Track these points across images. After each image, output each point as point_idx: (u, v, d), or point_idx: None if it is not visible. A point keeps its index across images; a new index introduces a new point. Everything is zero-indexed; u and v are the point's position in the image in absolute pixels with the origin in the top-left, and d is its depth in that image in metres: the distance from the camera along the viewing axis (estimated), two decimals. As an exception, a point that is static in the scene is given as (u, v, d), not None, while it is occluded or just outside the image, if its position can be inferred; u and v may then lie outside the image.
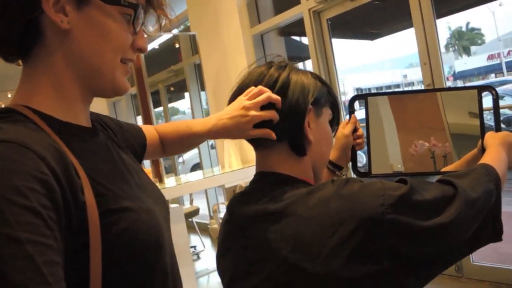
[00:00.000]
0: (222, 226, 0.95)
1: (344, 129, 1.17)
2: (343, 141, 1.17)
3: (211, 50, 4.53)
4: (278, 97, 0.89)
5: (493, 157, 0.96)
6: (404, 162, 1.21)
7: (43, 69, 0.70)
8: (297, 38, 5.14)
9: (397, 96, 1.29)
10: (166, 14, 0.78)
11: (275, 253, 0.79)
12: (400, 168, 1.20)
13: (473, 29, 36.17)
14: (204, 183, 4.21)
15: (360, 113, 1.32)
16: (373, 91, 33.34)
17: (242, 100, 0.93)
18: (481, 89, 1.14)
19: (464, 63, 29.80)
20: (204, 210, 5.54)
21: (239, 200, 0.92)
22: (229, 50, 4.32)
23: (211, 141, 6.10)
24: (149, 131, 1.08)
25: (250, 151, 4.34)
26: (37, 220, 0.53)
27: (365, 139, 1.20)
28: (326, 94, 0.95)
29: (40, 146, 0.59)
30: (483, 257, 3.08)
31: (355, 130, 1.19)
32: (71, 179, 0.60)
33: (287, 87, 0.90)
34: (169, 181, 4.21)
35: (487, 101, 1.15)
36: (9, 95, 10.50)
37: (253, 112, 0.90)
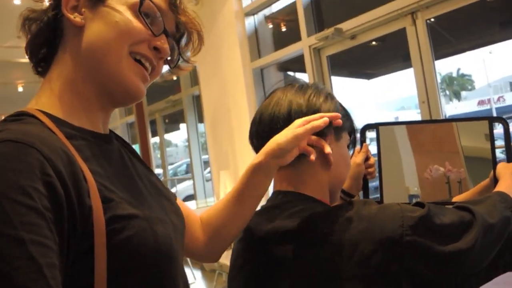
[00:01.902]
0: (236, 244, 0.95)
1: (356, 157, 1.18)
2: (355, 170, 1.17)
3: (211, 82, 4.59)
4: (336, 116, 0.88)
5: (506, 186, 0.96)
6: (419, 187, 1.20)
7: (58, 72, 0.72)
8: (296, 73, 5.23)
9: (408, 126, 1.30)
10: (198, 30, 0.80)
11: (291, 272, 0.79)
12: (416, 191, 1.20)
13: (463, 75, 36.97)
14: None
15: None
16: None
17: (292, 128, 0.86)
18: (492, 120, 1.16)
19: (455, 108, 30.29)
20: (195, 242, 5.45)
21: (258, 218, 0.91)
22: (229, 83, 4.38)
23: (206, 174, 6.10)
24: (188, 211, 0.92)
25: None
26: (41, 221, 0.52)
27: (377, 168, 1.20)
28: (347, 119, 0.97)
29: (47, 147, 0.58)
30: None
31: (366, 159, 1.20)
32: (78, 183, 0.59)
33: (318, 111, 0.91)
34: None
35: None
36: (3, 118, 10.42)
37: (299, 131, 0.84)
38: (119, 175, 0.71)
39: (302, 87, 0.94)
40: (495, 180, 1.06)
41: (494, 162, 1.12)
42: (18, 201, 0.51)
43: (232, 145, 4.49)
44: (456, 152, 1.18)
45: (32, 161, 0.55)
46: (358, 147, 1.21)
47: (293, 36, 3.91)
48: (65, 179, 0.57)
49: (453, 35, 4.55)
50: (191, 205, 5.84)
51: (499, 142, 1.20)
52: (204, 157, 5.94)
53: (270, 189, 0.97)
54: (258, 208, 0.94)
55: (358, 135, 1.15)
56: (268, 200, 0.94)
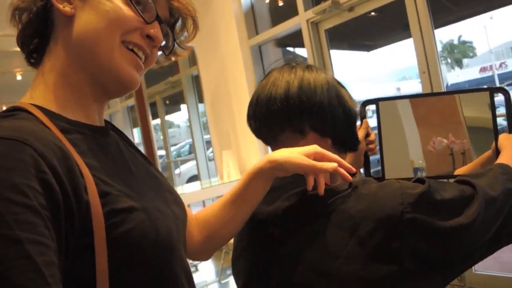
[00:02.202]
0: None
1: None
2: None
3: (209, 61, 4.55)
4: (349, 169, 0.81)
5: (509, 157, 0.95)
6: (423, 160, 1.20)
7: (51, 64, 0.70)
8: (295, 49, 5.18)
9: (408, 100, 1.29)
10: (192, 16, 0.78)
11: (294, 254, 0.79)
12: (421, 164, 1.19)
13: (464, 42, 36.56)
14: (203, 193, 4.20)
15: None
16: (367, 103, 33.41)
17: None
18: (493, 90, 1.14)
19: (457, 76, 30.04)
20: (201, 222, 5.50)
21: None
22: (227, 61, 4.34)
23: (209, 153, 6.10)
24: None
25: (249, 162, 4.34)
26: (37, 219, 0.51)
27: (378, 144, 1.19)
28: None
29: (41, 143, 0.57)
30: (486, 266, 3.07)
31: (367, 135, 1.19)
32: (74, 178, 0.58)
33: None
34: (168, 192, 4.18)
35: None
36: (4, 108, 10.45)
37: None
38: (116, 168, 0.70)
39: (297, 67, 0.93)
40: (497, 151, 1.05)
41: (496, 133, 1.11)
42: (13, 200, 0.50)
43: (233, 124, 4.47)
44: (458, 123, 1.17)
45: (25, 158, 0.53)
46: (358, 123, 1.20)
47: (290, 11, 3.85)
48: (60, 175, 0.56)
49: (453, 2, 4.47)
50: (195, 186, 5.87)
51: (502, 110, 1.19)
52: (206, 137, 5.94)
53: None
54: None
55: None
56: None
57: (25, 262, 0.48)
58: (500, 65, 27.77)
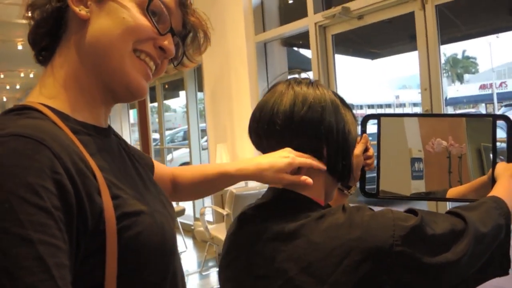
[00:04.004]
0: (228, 237, 0.95)
1: (355, 149, 1.17)
2: (353, 161, 1.17)
3: (214, 53, 4.53)
4: (323, 166, 0.89)
5: (504, 189, 0.95)
6: (423, 150, 1.20)
7: (61, 65, 0.70)
8: (299, 49, 5.18)
9: (411, 119, 1.29)
10: (205, 31, 0.79)
11: (280, 273, 0.79)
12: (419, 154, 1.19)
13: (468, 58, 36.69)
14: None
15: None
16: (365, 108, 33.52)
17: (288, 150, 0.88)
18: (496, 117, 1.15)
19: (457, 90, 30.14)
20: (188, 211, 5.51)
21: (250, 214, 0.91)
22: (232, 55, 4.33)
23: (203, 141, 6.10)
24: (160, 164, 1.03)
25: (242, 156, 4.34)
26: (49, 221, 0.51)
27: (375, 159, 1.19)
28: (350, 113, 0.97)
29: (57, 144, 0.57)
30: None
31: (365, 150, 1.19)
32: (87, 181, 0.58)
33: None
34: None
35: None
36: (2, 76, 10.42)
37: (294, 155, 0.86)
38: (121, 170, 0.71)
39: (302, 83, 0.92)
40: (493, 179, 1.05)
41: (494, 161, 1.12)
42: (27, 200, 0.50)
43: (231, 119, 4.47)
44: (459, 126, 1.18)
45: (42, 158, 0.54)
46: (358, 137, 1.20)
47: (300, 11, 3.83)
48: (74, 177, 0.56)
49: (461, 20, 4.47)
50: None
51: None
52: (202, 125, 5.93)
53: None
54: (252, 203, 0.94)
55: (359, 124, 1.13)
56: (263, 197, 0.94)
57: (36, 263, 0.49)
58: (501, 84, 27.88)
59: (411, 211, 0.82)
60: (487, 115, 1.18)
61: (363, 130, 1.20)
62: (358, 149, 1.15)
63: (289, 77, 0.98)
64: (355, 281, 0.74)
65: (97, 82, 0.70)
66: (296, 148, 0.88)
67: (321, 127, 0.87)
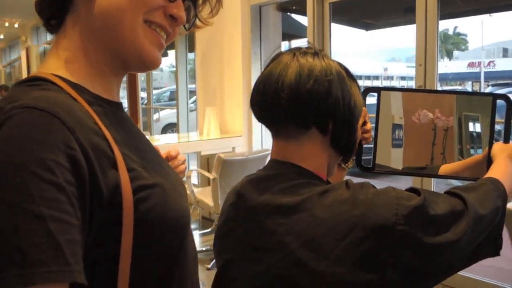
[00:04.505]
0: (227, 207, 0.94)
1: None
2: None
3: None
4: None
5: (501, 171, 0.96)
6: (405, 132, 1.20)
7: (72, 35, 0.68)
8: (293, 15, 5.08)
9: (410, 93, 1.28)
10: None
11: (281, 246, 0.79)
12: (400, 121, 1.19)
13: (459, 34, 36.64)
14: (180, 147, 4.17)
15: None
16: (353, 79, 33.40)
17: None
18: (496, 97, 1.15)
19: (445, 66, 30.22)
20: (173, 173, 5.50)
21: (251, 186, 0.90)
22: (225, 17, 4.22)
23: (191, 103, 6.03)
24: None
25: (231, 122, 4.31)
26: (61, 196, 0.50)
27: (373, 133, 1.18)
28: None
29: (71, 117, 0.56)
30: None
31: (363, 123, 1.17)
32: (102, 154, 0.57)
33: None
34: (145, 140, 4.15)
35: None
36: (7, 24, 10.09)
37: None
38: (134, 144, 0.69)
39: (308, 54, 0.89)
40: (489, 160, 1.06)
41: (491, 140, 1.12)
42: (39, 175, 0.49)
43: (221, 82, 4.41)
44: (449, 100, 1.18)
45: (55, 132, 0.53)
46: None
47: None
48: (88, 151, 0.55)
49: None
50: (172, 137, 5.82)
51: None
52: (190, 86, 5.85)
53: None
54: (253, 174, 0.93)
55: None
56: (264, 169, 0.93)
57: (47, 239, 0.48)
58: (489, 64, 28.04)
59: (413, 190, 0.82)
60: (488, 94, 1.18)
61: (363, 104, 1.19)
62: None
63: (286, 48, 0.95)
64: (356, 257, 0.75)
65: (107, 54, 0.68)
66: (301, 123, 0.87)
67: (328, 101, 0.86)
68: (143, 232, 0.60)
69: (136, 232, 0.59)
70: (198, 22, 0.79)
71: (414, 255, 0.77)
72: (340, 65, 0.92)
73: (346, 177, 1.17)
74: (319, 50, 0.91)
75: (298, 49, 0.91)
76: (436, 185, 3.10)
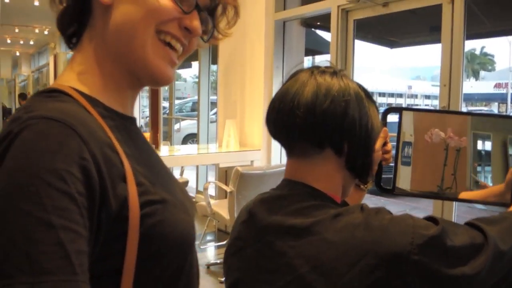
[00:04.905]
0: (239, 225, 0.92)
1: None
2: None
3: (231, 27, 4.46)
4: None
5: None
6: (415, 151, 1.17)
7: (88, 50, 0.69)
8: (317, 30, 5.08)
9: (432, 114, 1.25)
10: (232, 2, 0.75)
11: (291, 268, 0.77)
12: (410, 139, 1.15)
13: (486, 54, 36.17)
14: (199, 158, 4.19)
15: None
16: (375, 96, 33.30)
17: None
18: None
19: (471, 87, 29.81)
20: (192, 183, 5.52)
21: (264, 205, 0.88)
22: (249, 31, 4.25)
23: (211, 114, 6.06)
24: None
25: (250, 135, 4.31)
26: (72, 206, 0.51)
27: (394, 154, 1.16)
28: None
29: (85, 129, 0.57)
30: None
31: (384, 144, 1.15)
32: (113, 167, 0.58)
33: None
34: (164, 150, 4.17)
35: None
36: (16, 30, 10.38)
37: None
38: (145, 159, 0.70)
39: (326, 73, 0.87)
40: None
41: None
42: (52, 185, 0.50)
43: (242, 95, 4.42)
44: (463, 121, 1.14)
45: (70, 143, 0.54)
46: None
47: (323, -8, 3.74)
48: (99, 163, 0.56)
49: (486, 16, 4.35)
50: (191, 149, 5.85)
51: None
52: (212, 97, 5.89)
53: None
54: (266, 193, 0.91)
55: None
56: (277, 188, 0.91)
57: (56, 248, 0.48)
58: (516, 85, 27.52)
59: (431, 219, 0.79)
60: None
61: (384, 124, 1.16)
62: (378, 144, 1.11)
63: (309, 63, 0.94)
64: (367, 284, 0.72)
65: (120, 69, 0.69)
66: (316, 142, 0.85)
67: (344, 122, 0.84)
68: (148, 247, 0.60)
69: (141, 246, 0.59)
70: (217, 34, 0.78)
71: (428, 284, 0.74)
72: (359, 86, 0.90)
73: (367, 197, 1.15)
74: (338, 70, 0.89)
75: (317, 67, 0.90)
76: (457, 208, 3.03)
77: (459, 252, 0.76)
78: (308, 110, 0.83)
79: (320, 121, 0.83)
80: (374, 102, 0.93)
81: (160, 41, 0.68)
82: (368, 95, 0.91)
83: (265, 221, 0.84)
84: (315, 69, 0.89)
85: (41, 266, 0.47)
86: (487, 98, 27.74)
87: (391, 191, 1.16)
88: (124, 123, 0.70)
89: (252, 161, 4.11)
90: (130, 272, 0.58)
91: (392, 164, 1.18)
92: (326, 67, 0.90)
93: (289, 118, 0.85)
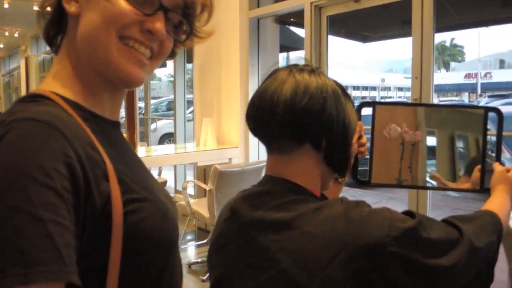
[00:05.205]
0: (221, 223, 0.94)
1: None
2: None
3: (205, 25, 4.45)
4: None
5: (499, 204, 0.98)
6: (375, 169, 1.21)
7: (64, 57, 0.72)
8: (292, 27, 5.11)
9: (404, 107, 1.29)
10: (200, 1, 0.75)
11: (273, 263, 0.79)
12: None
13: (456, 46, 36.91)
14: (177, 158, 4.18)
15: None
16: (350, 89, 33.61)
17: None
18: (488, 109, 1.16)
19: (442, 77, 30.37)
20: (170, 183, 5.50)
21: (245, 201, 0.90)
22: (224, 29, 4.25)
23: (188, 113, 6.04)
24: None
25: (227, 132, 4.32)
26: (59, 202, 0.53)
27: (369, 147, 1.19)
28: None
29: (68, 129, 0.59)
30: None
31: (359, 137, 1.18)
32: (96, 166, 0.60)
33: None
34: (141, 151, 4.15)
35: None
36: (7, 33, 10.11)
37: None
38: (126, 159, 0.72)
39: (304, 71, 0.90)
40: (482, 177, 1.09)
41: (484, 154, 1.13)
42: (40, 181, 0.52)
43: (218, 93, 4.42)
44: (417, 113, 1.20)
45: (55, 142, 0.56)
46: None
47: (296, -11, 3.77)
48: (83, 161, 0.58)
49: (456, 9, 4.46)
50: (169, 148, 5.81)
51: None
52: (188, 96, 5.86)
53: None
54: (247, 189, 0.93)
55: None
56: (258, 184, 0.93)
57: (46, 241, 0.50)
58: (485, 75, 28.20)
59: (409, 213, 0.82)
60: (479, 107, 1.20)
61: (358, 118, 1.20)
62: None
63: (284, 59, 0.96)
64: (347, 276, 0.75)
65: (94, 73, 0.70)
66: (295, 138, 0.87)
67: (322, 118, 0.86)
68: (132, 244, 0.62)
69: (125, 243, 0.61)
70: (195, 34, 0.78)
71: (405, 276, 0.77)
72: (336, 83, 0.93)
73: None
74: (315, 68, 0.92)
75: (295, 65, 0.92)
76: (432, 196, 3.11)
77: (435, 245, 0.79)
78: (287, 107, 0.85)
79: (299, 117, 0.85)
80: (350, 99, 0.95)
81: (124, 45, 0.68)
82: (345, 92, 0.94)
83: (248, 217, 0.86)
84: (293, 67, 0.91)
85: (32, 258, 0.49)
86: (458, 89, 28.30)
87: (368, 183, 1.20)
88: (104, 126, 0.71)
89: (230, 159, 4.12)
90: (115, 269, 0.60)
91: (368, 157, 1.22)
92: (304, 65, 0.93)
93: (269, 115, 0.87)
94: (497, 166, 1.09)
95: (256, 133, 0.93)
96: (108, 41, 0.66)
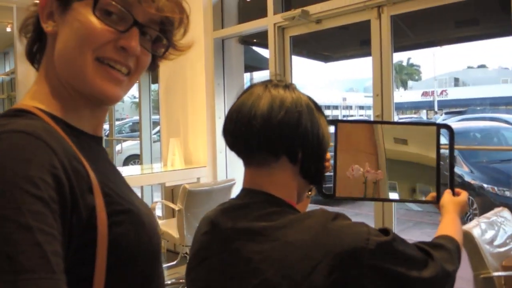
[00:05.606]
0: (200, 236, 0.95)
1: None
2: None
3: (170, 46, 4.47)
4: None
5: (455, 229, 1.04)
6: (339, 184, 1.26)
7: (44, 74, 0.73)
8: (255, 47, 5.21)
9: (364, 125, 1.35)
10: (173, 15, 0.73)
11: (257, 273, 0.81)
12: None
13: (412, 65, 38.22)
14: (144, 178, 4.14)
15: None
16: (313, 108, 33.98)
17: None
18: (440, 126, 1.24)
19: (400, 96, 31.28)
20: (136, 205, 5.40)
21: (226, 214, 0.92)
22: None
23: (154, 134, 6.00)
24: None
25: (195, 152, 4.33)
26: (46, 211, 0.54)
27: (332, 162, 1.24)
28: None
29: (53, 141, 0.60)
30: None
31: None
32: (80, 178, 0.61)
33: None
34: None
35: None
36: None
37: None
38: (109, 172, 0.73)
39: (279, 86, 0.94)
40: (438, 197, 1.16)
41: (438, 168, 1.20)
42: (27, 191, 0.53)
43: (185, 113, 4.44)
44: (374, 154, 1.25)
45: (41, 153, 0.57)
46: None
47: (257, 11, 3.87)
48: (69, 172, 0.59)
49: (411, 30, 4.66)
50: (135, 169, 5.75)
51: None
52: (154, 117, 5.83)
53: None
54: (226, 203, 0.95)
55: None
56: (237, 198, 0.95)
57: (35, 248, 0.51)
58: (441, 93, 29.25)
59: (384, 231, 0.85)
60: (431, 124, 1.28)
61: None
62: None
63: (248, 79, 1.00)
64: (327, 284, 0.77)
65: (72, 90, 0.71)
66: (273, 151, 0.91)
67: (298, 131, 0.90)
68: (117, 254, 0.63)
69: (110, 254, 0.62)
70: (180, 47, 0.80)
71: (382, 283, 0.80)
72: (309, 98, 0.97)
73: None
74: (289, 83, 0.96)
75: (270, 81, 0.96)
76: (396, 211, 3.21)
77: (411, 259, 0.84)
78: (265, 120, 0.89)
79: (276, 130, 0.89)
80: (323, 113, 0.99)
81: (100, 63, 0.69)
82: (317, 106, 0.98)
83: (230, 230, 0.88)
84: (268, 83, 0.95)
85: (21, 265, 0.49)
86: (416, 106, 29.19)
87: (332, 196, 1.25)
88: (86, 140, 0.72)
89: (198, 178, 4.12)
90: (101, 280, 0.61)
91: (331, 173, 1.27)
92: (279, 80, 0.96)
93: (247, 129, 0.90)
94: (446, 193, 1.16)
95: (233, 147, 0.96)
96: (83, 60, 0.68)
